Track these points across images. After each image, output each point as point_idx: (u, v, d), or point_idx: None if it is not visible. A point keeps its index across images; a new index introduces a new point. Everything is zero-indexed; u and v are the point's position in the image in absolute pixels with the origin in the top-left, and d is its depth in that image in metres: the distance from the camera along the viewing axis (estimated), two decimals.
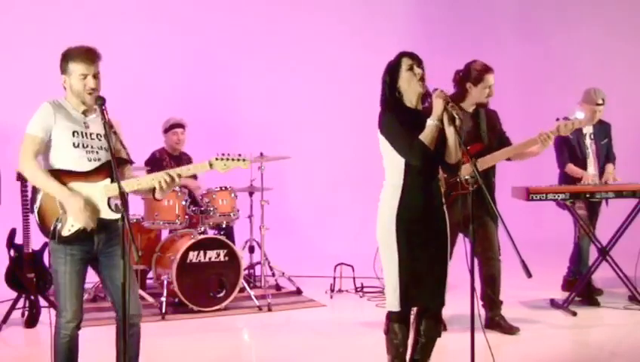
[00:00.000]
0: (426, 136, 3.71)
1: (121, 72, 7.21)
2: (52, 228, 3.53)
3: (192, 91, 8.41)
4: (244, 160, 3.68)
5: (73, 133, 3.59)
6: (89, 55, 3.61)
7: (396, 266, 3.79)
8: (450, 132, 3.74)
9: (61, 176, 3.55)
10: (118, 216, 3.41)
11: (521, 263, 3.62)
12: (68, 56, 3.62)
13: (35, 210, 3.57)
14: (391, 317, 3.89)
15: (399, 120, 3.79)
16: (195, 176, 6.85)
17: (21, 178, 5.42)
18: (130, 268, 3.60)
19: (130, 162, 3.74)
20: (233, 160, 3.64)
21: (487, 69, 5.14)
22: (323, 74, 9.02)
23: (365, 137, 9.79)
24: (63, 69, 3.63)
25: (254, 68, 8.76)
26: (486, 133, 5.20)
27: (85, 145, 3.60)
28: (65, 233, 3.53)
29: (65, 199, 3.50)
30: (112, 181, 3.55)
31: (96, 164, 3.61)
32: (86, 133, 3.63)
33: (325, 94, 9.06)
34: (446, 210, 3.92)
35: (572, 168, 6.21)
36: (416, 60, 3.86)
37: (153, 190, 3.62)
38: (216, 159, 3.61)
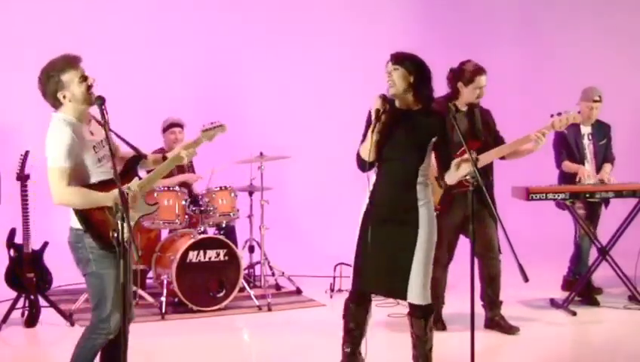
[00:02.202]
0: (363, 146, 3.96)
1: (121, 72, 7.22)
2: (112, 239, 3.46)
3: (191, 91, 8.40)
4: (221, 125, 4.05)
5: (94, 148, 3.60)
6: (75, 58, 3.57)
7: (357, 248, 4.04)
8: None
9: (98, 188, 3.57)
10: (153, 208, 3.76)
11: (519, 267, 3.64)
12: (55, 72, 3.51)
13: (89, 230, 3.54)
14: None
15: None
16: (193, 170, 6.85)
17: (21, 178, 5.42)
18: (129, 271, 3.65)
19: (141, 154, 3.85)
20: (214, 128, 4.03)
21: (479, 70, 5.13)
22: (323, 73, 9.01)
23: None
24: (58, 87, 3.50)
25: (254, 67, 8.76)
26: (481, 131, 5.21)
27: (104, 156, 3.63)
28: (123, 237, 3.56)
29: (117, 199, 3.48)
30: (139, 178, 3.69)
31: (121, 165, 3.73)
32: (98, 144, 3.63)
33: (325, 94, 9.05)
34: (425, 214, 3.95)
35: (568, 164, 6.20)
36: (391, 57, 3.98)
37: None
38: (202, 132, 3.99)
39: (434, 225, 3.98)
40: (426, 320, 4.00)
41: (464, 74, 5.13)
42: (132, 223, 3.57)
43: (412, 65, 3.93)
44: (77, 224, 3.58)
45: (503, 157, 5.25)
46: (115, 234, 3.49)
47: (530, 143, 5.09)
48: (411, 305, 3.98)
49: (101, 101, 3.53)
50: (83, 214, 3.54)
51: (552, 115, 5.12)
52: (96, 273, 3.58)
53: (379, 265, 3.94)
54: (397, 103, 4.01)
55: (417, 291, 3.91)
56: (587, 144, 6.28)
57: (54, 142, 3.50)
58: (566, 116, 5.11)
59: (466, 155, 3.84)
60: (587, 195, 5.82)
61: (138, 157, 3.83)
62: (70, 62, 3.55)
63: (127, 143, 3.68)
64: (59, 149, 3.48)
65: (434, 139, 3.94)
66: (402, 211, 3.94)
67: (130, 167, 3.78)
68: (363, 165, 3.97)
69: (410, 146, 3.93)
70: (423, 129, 3.93)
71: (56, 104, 3.57)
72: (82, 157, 3.53)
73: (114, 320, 3.59)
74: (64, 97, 3.54)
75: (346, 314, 4.17)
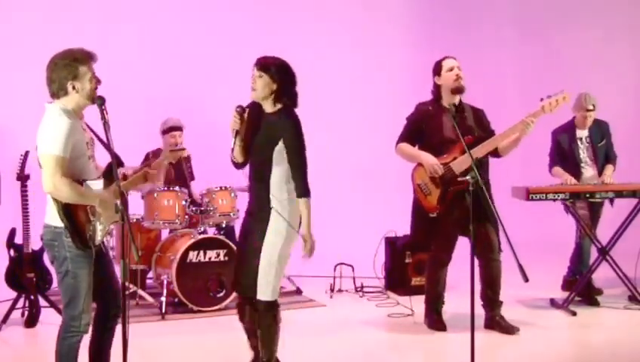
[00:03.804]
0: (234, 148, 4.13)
1: (119, 72, 7.20)
2: (87, 237, 3.56)
3: (190, 91, 8.39)
4: (183, 149, 4.33)
5: (87, 144, 3.61)
6: (94, 55, 3.61)
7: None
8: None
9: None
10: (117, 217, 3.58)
11: (519, 267, 3.65)
12: (73, 61, 3.54)
13: (70, 227, 3.54)
14: None
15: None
16: (192, 173, 6.84)
17: (21, 178, 5.42)
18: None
19: (120, 162, 3.79)
20: (178, 150, 4.20)
21: (444, 57, 5.33)
22: (322, 74, 9.00)
23: (365, 137, 9.77)
24: (71, 76, 3.53)
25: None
26: (474, 127, 5.22)
27: (91, 156, 3.65)
28: (98, 239, 3.61)
29: (101, 203, 3.52)
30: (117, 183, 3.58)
31: (98, 171, 3.69)
32: (89, 142, 3.65)
33: (324, 94, 9.04)
34: (275, 215, 4.00)
35: (557, 170, 6.22)
36: (257, 62, 4.28)
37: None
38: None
39: (284, 227, 4.00)
40: (271, 314, 4.10)
41: (434, 68, 5.31)
42: (104, 230, 3.62)
43: (277, 73, 4.14)
44: (55, 221, 3.56)
45: (499, 156, 5.25)
46: (91, 233, 3.54)
47: (516, 134, 5.11)
48: (258, 301, 4.07)
49: (101, 101, 3.55)
50: (68, 210, 3.53)
51: (541, 99, 5.13)
52: (72, 272, 3.58)
53: (242, 273, 4.10)
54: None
55: (261, 289, 4.01)
56: (585, 148, 6.26)
57: (52, 130, 3.48)
58: (555, 98, 5.12)
59: (465, 154, 3.86)
60: (587, 195, 5.81)
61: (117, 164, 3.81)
62: (91, 56, 3.59)
63: (109, 149, 3.62)
64: (57, 137, 3.46)
65: (280, 142, 4.03)
66: (258, 210, 4.05)
67: (108, 172, 3.66)
68: (235, 164, 4.19)
69: (263, 148, 4.06)
70: (271, 131, 4.07)
71: (59, 93, 3.56)
72: (76, 151, 3.53)
73: (84, 320, 3.62)
74: (73, 88, 3.55)
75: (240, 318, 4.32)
